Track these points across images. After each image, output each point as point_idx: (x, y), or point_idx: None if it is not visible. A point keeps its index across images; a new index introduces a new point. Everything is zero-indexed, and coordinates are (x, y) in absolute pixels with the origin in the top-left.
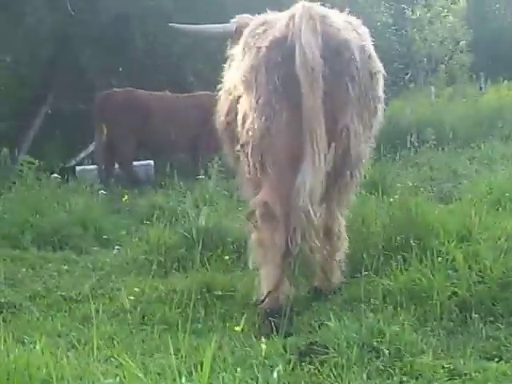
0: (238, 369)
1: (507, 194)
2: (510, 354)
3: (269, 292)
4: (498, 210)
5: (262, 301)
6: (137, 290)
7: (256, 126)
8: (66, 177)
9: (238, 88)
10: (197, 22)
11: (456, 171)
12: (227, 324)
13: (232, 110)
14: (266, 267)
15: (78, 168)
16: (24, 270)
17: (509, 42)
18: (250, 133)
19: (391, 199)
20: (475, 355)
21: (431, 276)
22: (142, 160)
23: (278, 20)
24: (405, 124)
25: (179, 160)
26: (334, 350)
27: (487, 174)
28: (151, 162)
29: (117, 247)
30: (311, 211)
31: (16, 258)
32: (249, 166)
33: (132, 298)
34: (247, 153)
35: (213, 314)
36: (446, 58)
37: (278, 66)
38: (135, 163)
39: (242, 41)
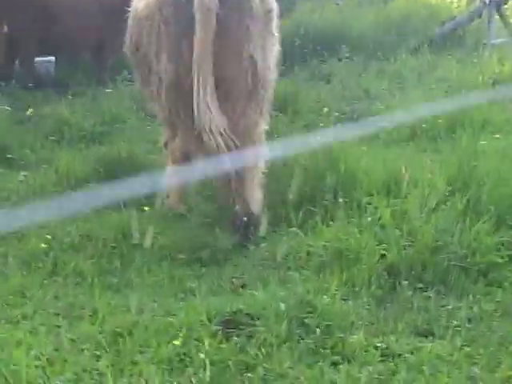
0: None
1: (424, 125)
2: (441, 329)
3: None
4: (412, 141)
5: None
6: (48, 237)
7: (168, 67)
8: None
9: (142, 19)
10: None
11: (368, 91)
12: (145, 279)
13: (140, 39)
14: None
15: None
16: None
17: None
18: (163, 71)
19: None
20: (407, 331)
21: (358, 235)
22: (43, 56)
23: None
24: (313, 30)
25: (83, 60)
26: (262, 323)
27: (400, 97)
28: (52, 58)
29: (23, 173)
30: (212, 138)
31: None
32: (164, 107)
33: (44, 245)
34: (163, 89)
35: (130, 266)
36: None
37: (183, 6)
38: (36, 60)
39: None
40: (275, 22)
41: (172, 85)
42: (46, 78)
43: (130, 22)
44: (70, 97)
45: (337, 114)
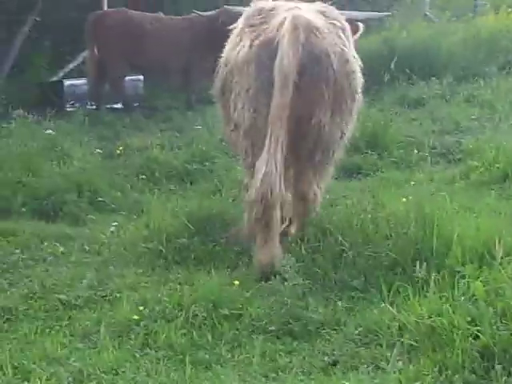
0: None
1: None
2: None
3: None
4: (504, 182)
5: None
6: (141, 308)
7: (245, 115)
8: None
9: (233, 69)
10: None
11: (458, 123)
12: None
13: (227, 83)
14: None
15: (66, 82)
16: (18, 251)
17: None
18: (241, 119)
19: (404, 199)
20: None
21: (451, 313)
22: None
23: (273, 14)
24: (401, 49)
25: (170, 84)
26: None
27: (491, 132)
28: (141, 77)
29: (113, 223)
30: (268, 195)
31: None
32: (241, 147)
33: (136, 317)
34: (240, 135)
35: (220, 339)
36: None
37: (266, 66)
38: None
39: (239, 24)
40: (358, 82)
41: (248, 131)
42: (134, 97)
43: (220, 68)
44: (159, 131)
45: (427, 153)
